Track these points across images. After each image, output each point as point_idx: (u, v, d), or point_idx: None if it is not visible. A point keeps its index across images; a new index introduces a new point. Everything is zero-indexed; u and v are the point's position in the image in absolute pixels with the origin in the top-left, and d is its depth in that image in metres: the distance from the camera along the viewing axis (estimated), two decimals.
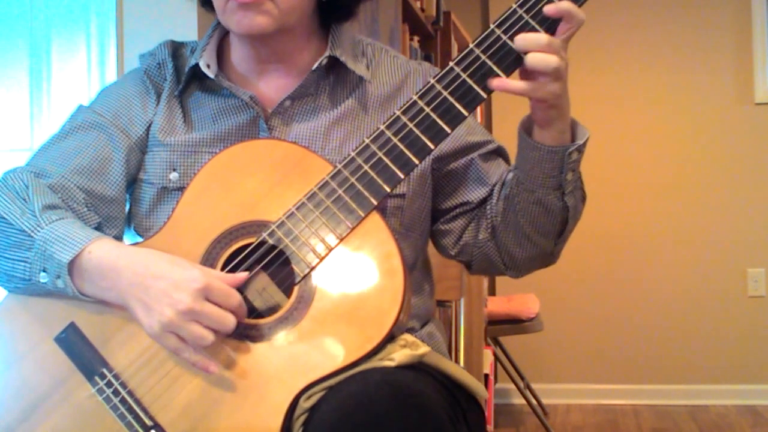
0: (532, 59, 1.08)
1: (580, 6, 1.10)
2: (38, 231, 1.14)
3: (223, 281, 1.08)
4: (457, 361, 2.37)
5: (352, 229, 1.10)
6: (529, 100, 1.13)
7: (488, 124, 4.42)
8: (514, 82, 1.10)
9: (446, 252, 1.33)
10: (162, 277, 1.07)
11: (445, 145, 1.25)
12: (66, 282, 1.11)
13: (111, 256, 1.11)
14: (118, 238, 1.26)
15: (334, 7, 1.28)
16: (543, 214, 1.20)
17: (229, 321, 1.05)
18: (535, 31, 1.09)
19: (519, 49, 1.09)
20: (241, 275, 1.10)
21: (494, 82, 1.10)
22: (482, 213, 1.28)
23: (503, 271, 1.30)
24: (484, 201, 1.28)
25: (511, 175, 1.23)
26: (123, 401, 1.10)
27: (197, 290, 1.05)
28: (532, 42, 1.08)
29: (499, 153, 1.33)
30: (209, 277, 1.06)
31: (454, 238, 1.31)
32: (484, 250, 1.28)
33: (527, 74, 1.10)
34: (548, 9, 1.08)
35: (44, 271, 1.13)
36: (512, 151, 1.31)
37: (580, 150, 1.17)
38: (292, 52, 1.26)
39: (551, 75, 1.08)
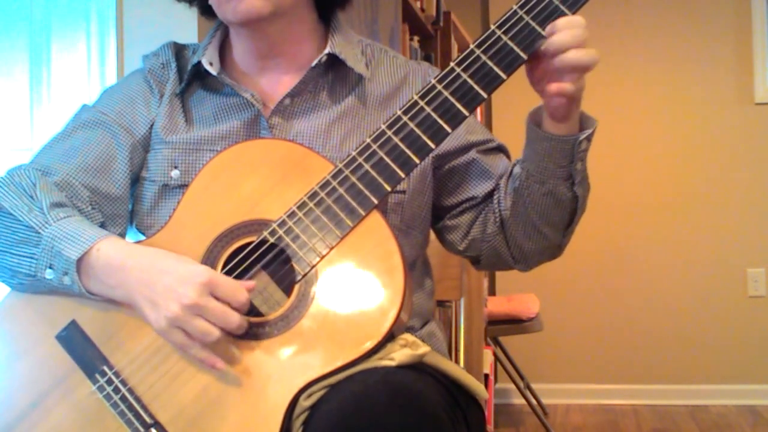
0: (576, 55, 1.08)
1: (574, 12, 1.10)
2: (46, 228, 1.14)
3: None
4: (457, 361, 2.37)
5: (353, 227, 1.10)
6: (547, 101, 1.13)
7: (488, 124, 4.42)
8: (568, 85, 1.10)
9: (454, 248, 1.33)
10: (167, 272, 1.07)
11: (446, 144, 1.25)
12: (73, 279, 1.12)
13: (119, 254, 1.11)
14: (122, 236, 1.27)
15: None
16: (553, 205, 1.21)
17: (233, 318, 1.06)
18: (535, 31, 1.10)
19: (557, 46, 1.08)
20: (249, 283, 1.09)
21: (552, 87, 1.10)
22: (489, 207, 1.29)
23: (512, 265, 1.30)
24: (490, 194, 1.29)
25: (518, 168, 1.23)
26: (123, 399, 1.10)
27: (202, 284, 1.05)
28: (574, 37, 1.08)
29: (501, 149, 1.33)
30: (214, 273, 1.07)
31: (461, 233, 1.31)
32: (492, 244, 1.28)
33: (528, 71, 1.10)
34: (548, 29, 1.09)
35: (51, 267, 1.13)
36: (513, 150, 1.31)
37: (589, 139, 1.18)
38: (291, 44, 1.27)
39: (586, 71, 1.09)
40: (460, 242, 1.32)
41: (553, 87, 1.10)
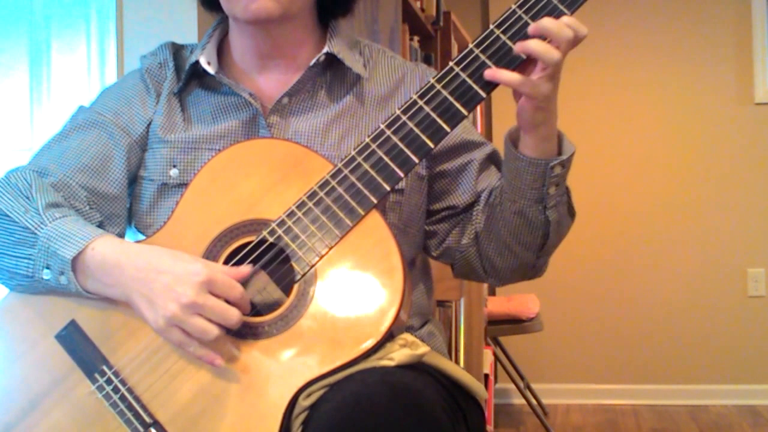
0: (537, 46, 1.07)
1: (572, 13, 1.10)
2: (42, 228, 1.14)
3: (226, 274, 1.08)
4: (457, 361, 2.37)
5: (352, 227, 1.10)
6: (516, 101, 1.13)
7: (488, 125, 4.42)
8: (507, 73, 1.09)
9: (429, 252, 1.34)
10: (165, 271, 1.07)
11: (441, 143, 1.25)
12: (69, 278, 1.12)
13: (114, 253, 1.11)
14: (120, 235, 1.27)
15: (333, 2, 1.29)
16: (524, 225, 1.20)
17: (233, 314, 1.06)
18: None
19: (532, 33, 1.08)
20: (245, 268, 1.10)
21: (487, 72, 1.10)
22: (468, 218, 1.29)
23: (484, 278, 1.31)
24: (470, 206, 1.29)
25: (498, 183, 1.23)
26: (122, 398, 1.10)
27: (200, 283, 1.05)
28: (547, 27, 1.08)
29: (493, 159, 1.32)
30: (212, 270, 1.07)
31: (438, 240, 1.31)
32: (465, 255, 1.29)
33: (523, 70, 1.10)
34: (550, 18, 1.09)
35: (47, 267, 1.13)
36: None
37: (564, 165, 1.16)
38: (292, 46, 1.27)
39: (549, 70, 1.08)
40: (435, 248, 1.32)
41: (488, 71, 1.09)
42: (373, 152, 1.12)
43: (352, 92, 1.28)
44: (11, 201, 1.18)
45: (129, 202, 1.30)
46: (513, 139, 1.18)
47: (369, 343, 1.05)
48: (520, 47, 1.09)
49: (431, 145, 1.12)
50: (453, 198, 1.30)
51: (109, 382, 1.11)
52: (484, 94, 1.11)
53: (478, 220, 1.26)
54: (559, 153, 1.17)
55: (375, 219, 1.11)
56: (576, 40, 1.09)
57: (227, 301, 1.07)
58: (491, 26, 1.11)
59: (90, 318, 1.14)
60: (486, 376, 3.34)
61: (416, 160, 1.12)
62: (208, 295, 1.06)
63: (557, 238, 1.24)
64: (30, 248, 1.15)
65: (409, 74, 1.32)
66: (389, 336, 1.07)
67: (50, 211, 1.16)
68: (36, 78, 2.36)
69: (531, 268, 1.27)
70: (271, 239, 1.12)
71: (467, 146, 1.30)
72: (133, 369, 1.11)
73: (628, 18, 4.36)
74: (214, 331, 1.05)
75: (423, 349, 1.10)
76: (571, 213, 1.25)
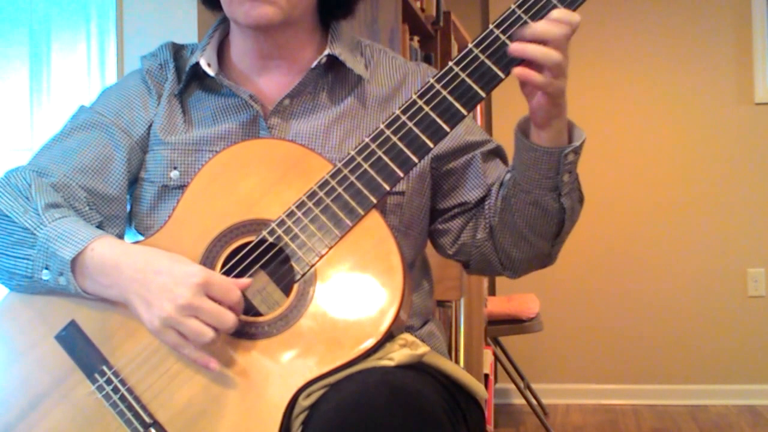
0: (535, 51, 1.08)
1: (575, 9, 1.10)
2: (41, 229, 1.14)
3: (224, 278, 1.08)
4: (457, 361, 2.37)
5: (352, 227, 1.10)
6: (529, 101, 1.13)
7: (488, 124, 4.42)
8: (536, 75, 1.09)
9: (444, 251, 1.34)
10: (162, 272, 1.07)
11: (444, 144, 1.26)
12: (68, 279, 1.12)
13: (113, 254, 1.11)
14: (120, 236, 1.27)
15: (334, 4, 1.28)
16: (539, 215, 1.21)
17: (229, 318, 1.06)
18: None
19: (531, 37, 1.08)
20: (244, 281, 1.09)
21: (517, 70, 1.09)
22: (480, 213, 1.29)
23: (500, 272, 1.31)
24: (481, 201, 1.29)
25: (508, 176, 1.24)
26: (122, 398, 1.10)
27: (197, 285, 1.05)
28: (543, 31, 1.08)
29: (497, 153, 1.33)
30: (209, 273, 1.07)
31: (451, 237, 1.31)
32: (481, 250, 1.29)
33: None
34: (541, 20, 1.09)
35: (46, 268, 1.13)
36: (511, 151, 1.32)
37: (577, 151, 1.17)
38: (294, 49, 1.27)
39: (553, 70, 1.08)
40: (450, 246, 1.32)
41: (518, 69, 1.09)
42: (373, 152, 1.12)
43: (353, 94, 1.28)
44: (11, 201, 1.18)
45: (129, 204, 1.30)
46: (523, 131, 1.18)
47: (369, 343, 1.05)
48: (518, 51, 1.09)
49: (431, 145, 1.12)
50: (463, 194, 1.30)
51: (108, 382, 1.11)
52: (483, 94, 1.11)
53: (491, 213, 1.27)
54: (570, 140, 1.17)
55: (375, 219, 1.11)
56: (571, 32, 1.09)
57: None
58: (491, 26, 1.12)
59: (90, 318, 1.14)
60: (486, 376, 3.34)
61: (416, 160, 1.12)
62: (205, 298, 1.06)
63: (571, 225, 1.25)
64: (29, 249, 1.15)
65: (410, 75, 1.32)
66: (389, 336, 1.07)
67: (49, 211, 1.16)
68: (36, 78, 2.36)
69: (546, 257, 1.28)
70: (270, 239, 1.12)
71: (471, 146, 1.30)
72: (132, 369, 1.11)
73: (628, 18, 4.36)
74: (209, 333, 1.05)
75: (423, 349, 1.10)
76: (581, 199, 1.26)
